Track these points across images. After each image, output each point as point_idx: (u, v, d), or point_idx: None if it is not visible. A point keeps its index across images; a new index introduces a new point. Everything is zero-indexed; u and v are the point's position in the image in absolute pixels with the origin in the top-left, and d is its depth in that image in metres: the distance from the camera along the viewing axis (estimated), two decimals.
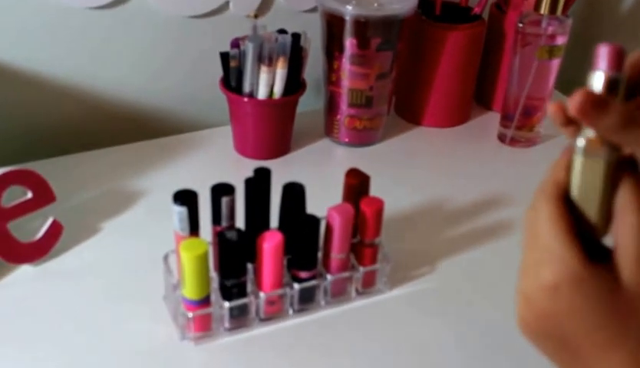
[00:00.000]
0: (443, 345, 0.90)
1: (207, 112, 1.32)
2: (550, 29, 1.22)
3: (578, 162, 0.51)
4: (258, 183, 0.88)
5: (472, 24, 1.30)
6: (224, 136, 1.25)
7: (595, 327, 0.50)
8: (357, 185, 0.92)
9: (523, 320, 0.54)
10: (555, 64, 1.27)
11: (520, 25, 1.23)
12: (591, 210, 0.51)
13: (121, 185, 1.13)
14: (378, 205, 0.91)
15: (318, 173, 1.04)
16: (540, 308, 0.52)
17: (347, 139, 1.28)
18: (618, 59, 0.49)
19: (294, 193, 0.89)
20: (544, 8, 1.20)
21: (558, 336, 0.52)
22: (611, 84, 0.49)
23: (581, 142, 0.50)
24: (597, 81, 0.49)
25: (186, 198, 0.83)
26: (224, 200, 0.85)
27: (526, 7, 1.27)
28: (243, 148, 1.22)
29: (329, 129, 1.30)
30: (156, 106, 1.30)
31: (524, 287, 0.53)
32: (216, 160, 1.22)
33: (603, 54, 0.49)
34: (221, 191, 0.85)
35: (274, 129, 1.20)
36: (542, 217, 0.52)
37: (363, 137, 1.29)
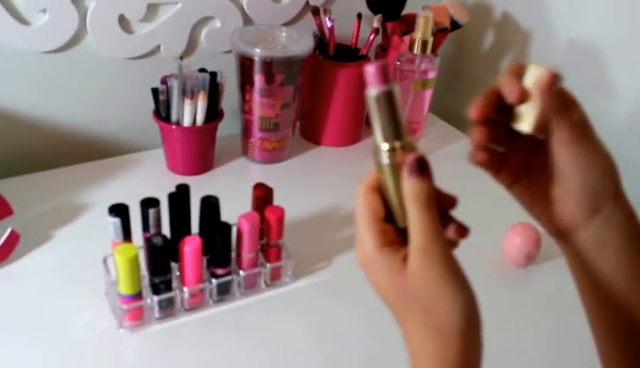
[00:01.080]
0: (339, 325, 0.92)
1: (142, 137, 1.31)
2: (422, 66, 1.25)
3: (379, 166, 0.51)
4: (180, 197, 0.88)
5: (360, 62, 1.31)
6: (157, 158, 1.24)
7: (388, 302, 0.52)
8: (262, 196, 0.93)
9: None
10: (428, 93, 1.30)
11: (398, 63, 1.26)
12: (391, 203, 0.52)
13: (69, 200, 1.12)
14: (280, 212, 0.92)
15: (236, 187, 1.04)
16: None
17: (259, 158, 1.29)
18: (384, 74, 0.48)
19: (210, 204, 0.89)
20: (417, 49, 1.23)
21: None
22: (385, 96, 0.48)
23: (384, 149, 0.50)
24: (370, 98, 0.48)
25: (119, 210, 0.84)
26: (151, 211, 0.85)
27: (403, 48, 1.30)
28: (173, 166, 1.22)
29: (245, 150, 1.30)
30: (99, 133, 1.29)
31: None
32: (150, 177, 1.21)
33: (371, 73, 0.48)
34: (149, 204, 0.85)
35: (198, 151, 1.21)
36: (356, 205, 0.53)
37: (273, 156, 1.29)
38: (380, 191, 0.52)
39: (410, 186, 0.48)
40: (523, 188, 0.59)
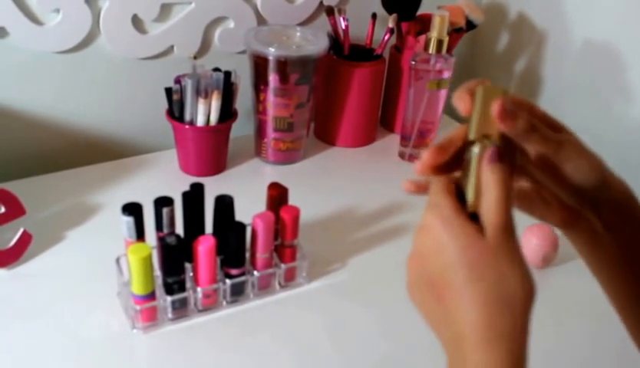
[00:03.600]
0: (353, 327, 0.91)
1: (155, 138, 1.31)
2: (437, 65, 1.24)
3: (469, 161, 0.54)
4: (194, 196, 0.88)
5: (374, 62, 1.31)
6: (170, 158, 1.24)
7: (456, 265, 0.51)
8: (277, 196, 0.92)
9: (408, 281, 0.55)
10: (443, 93, 1.29)
11: (413, 63, 1.25)
12: (467, 190, 0.54)
13: (82, 201, 1.11)
14: (295, 212, 0.91)
15: (250, 188, 1.03)
16: (416, 250, 0.55)
17: (273, 159, 1.28)
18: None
19: (225, 203, 0.89)
20: (432, 49, 1.22)
21: (426, 279, 0.53)
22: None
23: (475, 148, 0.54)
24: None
25: (132, 209, 0.83)
26: (165, 210, 0.84)
27: (418, 48, 1.29)
28: (186, 167, 1.21)
29: (258, 151, 1.29)
30: (111, 133, 1.29)
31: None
32: (163, 178, 1.20)
33: None
34: (162, 203, 0.85)
35: (211, 151, 1.20)
36: (433, 183, 0.55)
37: (287, 157, 1.29)
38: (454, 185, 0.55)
39: (491, 171, 0.51)
40: (520, 199, 0.61)
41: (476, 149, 0.53)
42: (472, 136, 0.54)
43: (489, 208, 0.51)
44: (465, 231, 0.51)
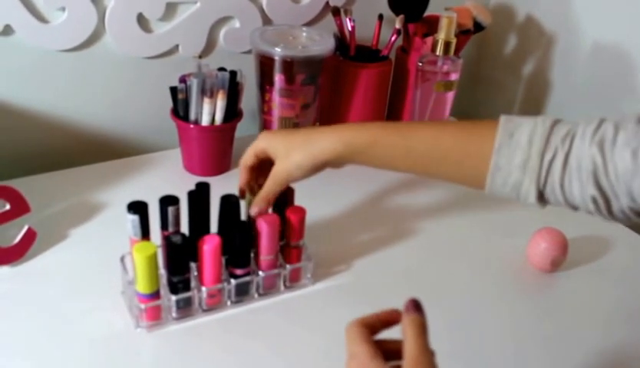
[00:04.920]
0: None
1: (159, 137, 1.31)
2: (445, 67, 1.24)
3: None
4: (199, 195, 0.88)
5: (381, 63, 1.31)
6: (174, 157, 1.24)
7: None
8: (282, 196, 0.92)
9: None
10: (450, 95, 1.29)
11: (420, 64, 1.25)
12: None
13: (86, 199, 1.12)
14: (301, 213, 0.91)
15: None
16: None
17: None
18: None
19: (230, 203, 0.89)
20: (439, 51, 1.22)
21: None
22: None
23: None
24: None
25: (138, 208, 0.83)
26: (170, 209, 0.84)
27: (425, 49, 1.29)
28: (191, 166, 1.21)
29: None
30: (116, 132, 1.29)
31: None
32: (167, 177, 1.20)
33: None
34: (168, 201, 0.85)
35: (216, 151, 1.20)
36: (348, 333, 0.61)
37: None
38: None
39: (410, 318, 0.58)
40: None
41: None
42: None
43: (406, 346, 0.56)
44: None
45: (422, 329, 0.57)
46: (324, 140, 0.86)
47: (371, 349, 0.57)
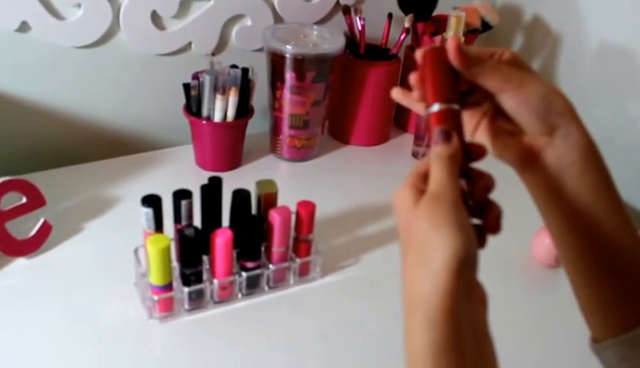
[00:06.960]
0: (366, 321, 0.92)
1: (172, 133, 1.33)
2: None
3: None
4: (212, 189, 0.89)
5: (390, 61, 1.32)
6: (187, 153, 1.25)
7: (400, 239, 0.54)
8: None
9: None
10: None
11: None
12: None
13: (100, 193, 1.13)
14: (311, 207, 0.93)
15: None
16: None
17: (288, 156, 1.30)
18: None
19: (242, 197, 0.90)
20: None
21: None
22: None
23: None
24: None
25: (152, 201, 0.84)
26: (183, 203, 0.86)
27: None
28: (203, 162, 1.23)
29: (274, 147, 1.31)
30: (129, 128, 1.31)
31: None
32: (180, 172, 1.22)
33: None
34: (181, 195, 0.86)
35: (228, 147, 1.21)
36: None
37: (301, 154, 1.30)
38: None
39: (435, 148, 0.54)
40: (485, 132, 0.63)
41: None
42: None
43: (430, 179, 0.53)
44: (404, 204, 0.53)
45: (446, 160, 0.53)
46: None
47: (412, 178, 0.55)
